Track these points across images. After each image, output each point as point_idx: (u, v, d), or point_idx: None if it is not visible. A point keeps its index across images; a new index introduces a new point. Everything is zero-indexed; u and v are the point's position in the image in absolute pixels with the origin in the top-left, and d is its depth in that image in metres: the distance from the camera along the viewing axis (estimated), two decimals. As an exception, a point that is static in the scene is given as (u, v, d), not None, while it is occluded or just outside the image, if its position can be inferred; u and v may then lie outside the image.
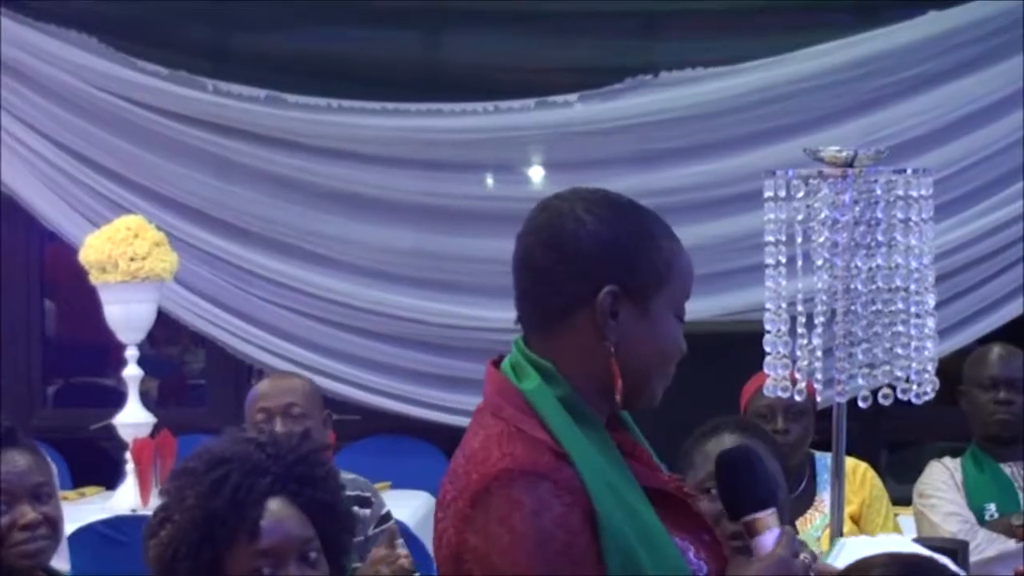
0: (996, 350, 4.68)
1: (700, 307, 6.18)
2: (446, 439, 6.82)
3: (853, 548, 2.82)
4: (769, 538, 2.28)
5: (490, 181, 6.84)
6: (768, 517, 2.29)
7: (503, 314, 6.49)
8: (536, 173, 6.88)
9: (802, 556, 2.30)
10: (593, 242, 2.25)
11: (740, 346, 3.48)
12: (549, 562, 2.12)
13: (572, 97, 6.54)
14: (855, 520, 4.48)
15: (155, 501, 5.80)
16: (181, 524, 2.36)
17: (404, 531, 5.08)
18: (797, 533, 2.37)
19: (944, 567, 2.07)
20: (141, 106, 6.72)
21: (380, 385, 6.69)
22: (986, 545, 4.33)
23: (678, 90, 6.44)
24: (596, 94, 6.52)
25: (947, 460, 4.63)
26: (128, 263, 5.90)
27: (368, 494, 4.31)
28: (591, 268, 2.25)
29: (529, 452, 2.18)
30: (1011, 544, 4.36)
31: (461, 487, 2.21)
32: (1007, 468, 4.52)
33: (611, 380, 2.24)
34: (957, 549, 3.50)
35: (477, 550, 2.16)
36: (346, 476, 3.31)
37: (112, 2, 6.73)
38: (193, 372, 8.11)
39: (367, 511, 4.18)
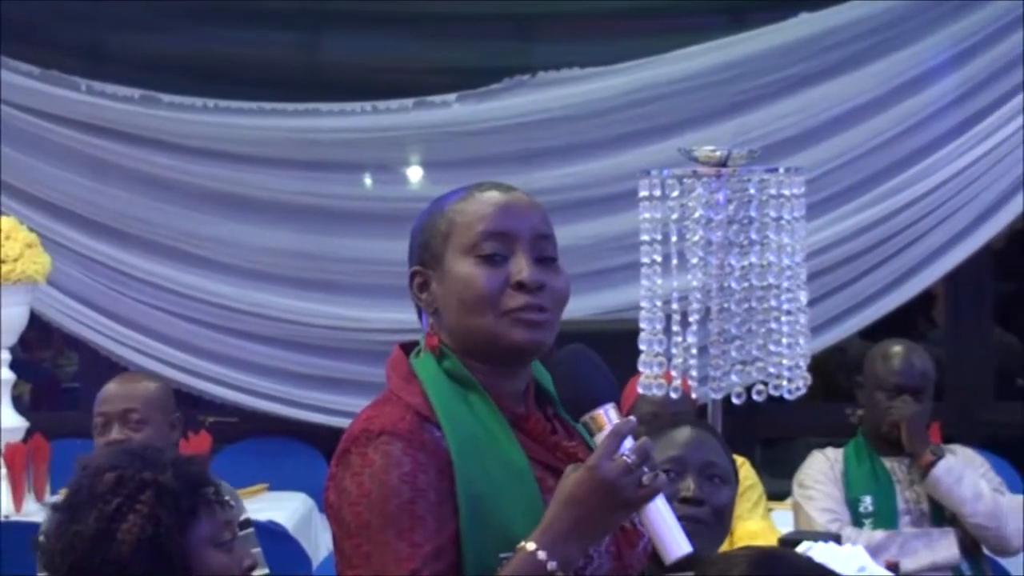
0: (901, 353, 4.66)
1: (576, 306, 6.15)
2: (325, 440, 6.79)
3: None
4: (601, 438, 2.24)
5: (369, 181, 6.83)
6: (602, 415, 2.24)
7: (383, 315, 6.56)
8: (415, 173, 6.88)
9: (622, 457, 2.18)
10: (410, 239, 2.39)
11: (616, 345, 3.49)
12: (388, 515, 2.17)
13: (450, 97, 6.54)
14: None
15: (29, 507, 5.75)
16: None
17: (282, 533, 5.06)
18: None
19: (806, 558, 2.08)
20: (13, 106, 6.64)
21: (258, 387, 6.65)
22: (855, 538, 4.38)
23: (555, 90, 6.46)
24: (474, 94, 6.53)
25: (829, 451, 4.67)
26: (-1, 265, 5.82)
27: (228, 498, 4.25)
28: (410, 261, 2.38)
29: (391, 414, 2.26)
30: (878, 534, 4.41)
31: (336, 451, 2.30)
32: (889, 462, 4.57)
33: (446, 344, 2.32)
34: (830, 541, 3.53)
35: (332, 505, 2.25)
36: None
37: (-17, 1, 6.64)
38: (66, 375, 8.00)
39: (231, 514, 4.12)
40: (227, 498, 4.12)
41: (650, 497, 2.20)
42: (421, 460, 2.21)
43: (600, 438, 2.22)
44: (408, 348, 2.40)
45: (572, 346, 2.38)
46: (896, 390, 4.56)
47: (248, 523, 4.30)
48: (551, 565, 2.14)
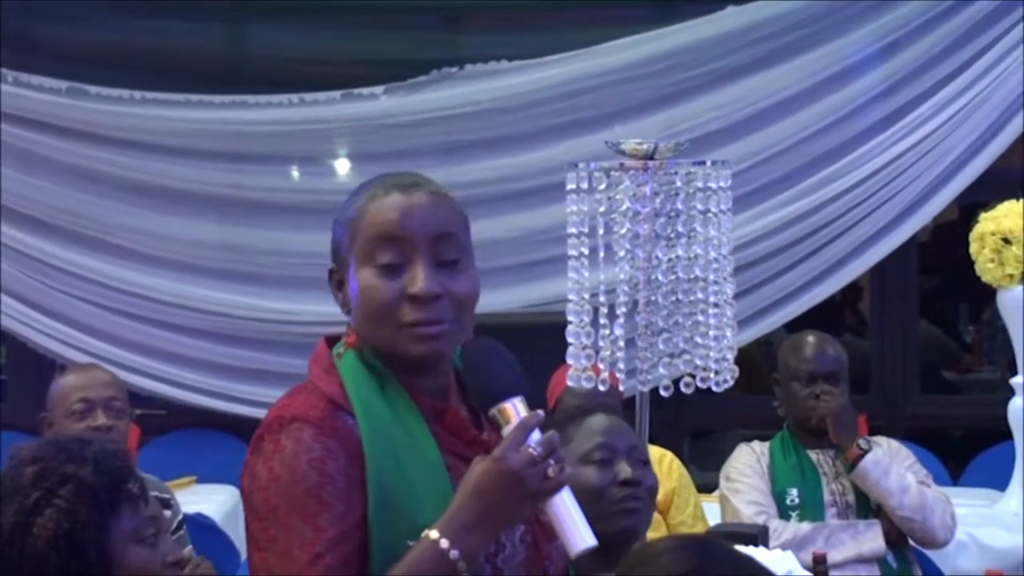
0: (812, 341, 4.67)
1: (503, 299, 6.21)
2: (252, 432, 6.75)
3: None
4: (508, 429, 2.25)
5: (296, 173, 6.81)
6: (509, 407, 2.25)
7: (309, 307, 6.51)
8: (342, 165, 6.86)
9: (527, 450, 2.19)
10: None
11: (543, 337, 3.48)
12: (295, 500, 2.19)
13: (378, 89, 6.53)
14: (661, 511, 4.51)
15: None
16: None
17: (210, 526, 5.02)
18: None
19: (729, 547, 2.05)
20: (-65, 98, 6.58)
21: (185, 379, 6.64)
22: (782, 530, 4.39)
23: (483, 83, 6.46)
24: (402, 86, 6.52)
25: (755, 444, 4.68)
26: (-77, 258, 5.76)
27: (167, 495, 4.21)
28: (331, 253, 2.38)
29: (305, 402, 2.27)
30: (805, 527, 4.43)
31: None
32: (814, 455, 4.58)
33: (359, 340, 2.33)
34: (757, 534, 3.53)
35: (244, 490, 2.26)
36: (144, 475, 3.25)
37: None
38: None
39: (168, 512, 4.08)
40: (167, 496, 4.09)
41: (555, 489, 2.21)
42: (331, 447, 2.22)
43: (507, 430, 2.22)
44: (333, 340, 2.40)
45: (479, 339, 2.37)
46: (810, 378, 4.58)
47: (184, 521, 4.25)
48: (453, 554, 2.15)
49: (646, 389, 3.63)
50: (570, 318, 3.52)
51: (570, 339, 3.50)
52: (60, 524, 2.48)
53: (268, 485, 2.21)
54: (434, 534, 2.16)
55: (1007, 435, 5.57)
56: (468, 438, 2.34)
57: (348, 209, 2.33)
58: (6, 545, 2.47)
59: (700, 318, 3.54)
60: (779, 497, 4.52)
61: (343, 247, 2.33)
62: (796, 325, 6.28)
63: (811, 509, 4.49)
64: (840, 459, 4.52)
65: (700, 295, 3.52)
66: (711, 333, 3.53)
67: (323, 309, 6.13)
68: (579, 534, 2.21)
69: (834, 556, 4.26)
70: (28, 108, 6.59)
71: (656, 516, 4.33)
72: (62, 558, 2.47)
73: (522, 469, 2.18)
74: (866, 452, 4.46)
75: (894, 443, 4.75)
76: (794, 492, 4.52)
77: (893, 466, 4.47)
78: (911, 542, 4.54)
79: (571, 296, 3.52)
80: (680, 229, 3.53)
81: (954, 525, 4.51)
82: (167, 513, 4.06)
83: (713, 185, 3.54)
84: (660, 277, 3.53)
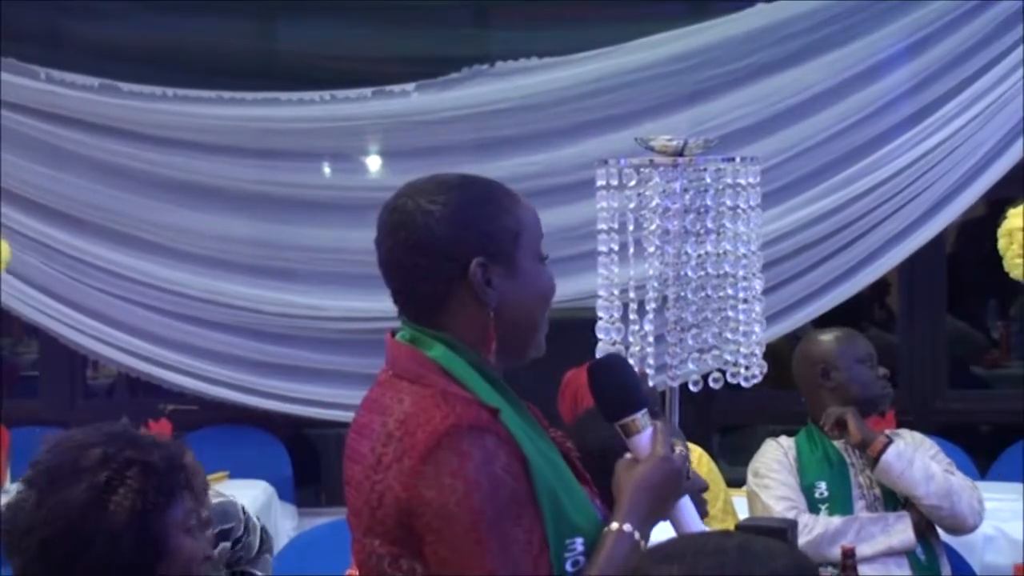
0: (856, 331, 4.75)
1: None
2: (285, 427, 6.79)
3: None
4: (644, 437, 2.41)
5: (327, 170, 6.82)
6: (641, 418, 2.42)
7: (340, 303, 6.54)
8: (374, 162, 6.87)
9: (677, 449, 2.41)
10: (447, 227, 2.35)
11: (573, 333, 3.51)
12: (500, 506, 2.22)
13: (409, 87, 6.54)
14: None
15: (-11, 492, 5.74)
16: None
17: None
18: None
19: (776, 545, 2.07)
20: (-29, 95, 6.62)
21: (216, 375, 6.65)
22: (812, 524, 4.40)
23: (513, 80, 6.47)
24: (433, 84, 6.53)
25: (783, 439, 4.68)
26: (-42, 254, 5.81)
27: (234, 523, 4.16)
28: (454, 250, 2.35)
29: (468, 409, 2.28)
30: (835, 520, 4.43)
31: (405, 447, 2.27)
32: (841, 447, 4.58)
33: (495, 341, 2.37)
34: (787, 528, 3.55)
35: (433, 503, 2.23)
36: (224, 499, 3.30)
37: (-61, -11, 6.60)
38: (26, 364, 7.97)
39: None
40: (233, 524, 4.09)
41: (690, 488, 2.46)
42: (508, 451, 2.27)
43: (644, 438, 2.42)
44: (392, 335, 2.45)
45: (611, 354, 2.61)
46: (875, 361, 4.63)
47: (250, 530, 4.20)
48: (642, 543, 2.32)
49: (675, 384, 3.66)
50: (600, 314, 3.55)
51: (600, 335, 3.53)
52: (135, 503, 2.49)
53: (468, 495, 2.22)
54: (627, 527, 2.32)
55: (1035, 430, 5.58)
56: (545, 426, 2.46)
57: (499, 209, 2.40)
58: (78, 522, 2.47)
59: (729, 314, 3.57)
60: (808, 491, 4.52)
61: (502, 241, 2.37)
62: (824, 321, 6.29)
63: (840, 502, 4.48)
64: (864, 455, 4.53)
65: (729, 291, 3.55)
66: (740, 329, 3.57)
67: (352, 304, 6.17)
68: (697, 523, 2.46)
69: (864, 550, 4.27)
70: (60, 104, 6.61)
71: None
72: (136, 535, 2.49)
73: (682, 467, 2.40)
74: (888, 444, 4.47)
75: (916, 434, 4.75)
76: (822, 485, 4.52)
77: (916, 456, 4.48)
78: (940, 534, 4.55)
79: (601, 292, 3.56)
80: (709, 225, 3.56)
81: (982, 509, 4.50)
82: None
83: (742, 181, 3.57)
84: (689, 273, 3.56)
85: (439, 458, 2.23)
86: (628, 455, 2.42)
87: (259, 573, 4.07)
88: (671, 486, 2.40)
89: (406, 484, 2.25)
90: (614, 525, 2.32)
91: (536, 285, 2.41)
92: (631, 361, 3.49)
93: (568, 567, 2.28)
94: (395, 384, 2.36)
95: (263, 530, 4.14)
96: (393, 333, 2.44)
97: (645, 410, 2.43)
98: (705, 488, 2.77)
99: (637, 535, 2.31)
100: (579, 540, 2.29)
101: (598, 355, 2.57)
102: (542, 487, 2.26)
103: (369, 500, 2.32)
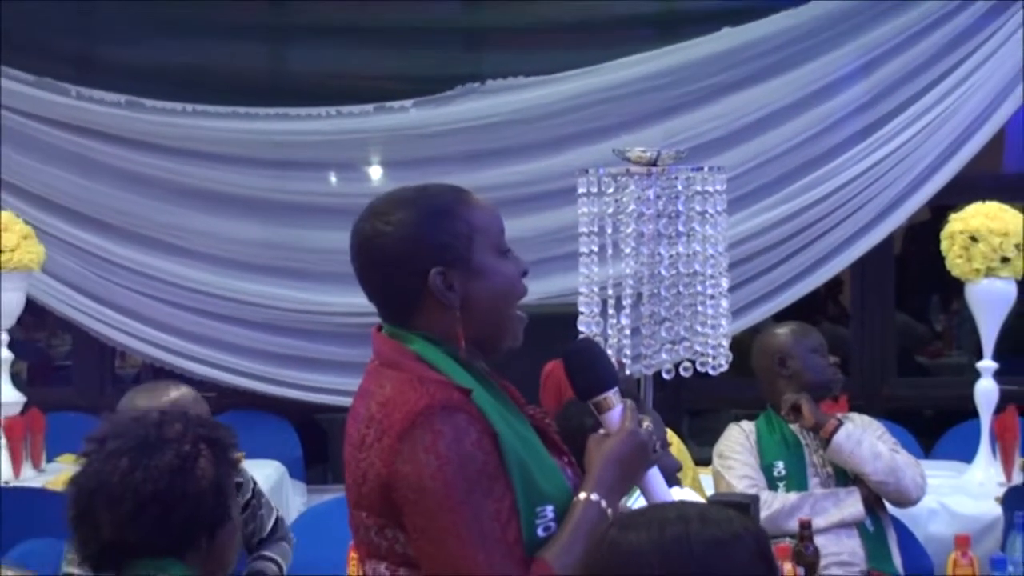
0: (809, 326, 4.78)
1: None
2: (295, 412, 6.79)
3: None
4: (615, 413, 2.41)
5: (333, 179, 6.81)
6: (612, 396, 2.42)
7: (345, 299, 6.54)
8: (375, 171, 6.86)
9: (644, 424, 2.41)
10: (402, 244, 2.36)
11: (557, 326, 3.52)
12: (470, 479, 2.22)
13: (408, 103, 6.54)
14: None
15: (27, 473, 5.74)
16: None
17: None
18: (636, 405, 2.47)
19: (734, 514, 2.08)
20: (11, 110, 6.62)
21: (233, 365, 6.64)
22: (771, 500, 4.41)
23: (503, 97, 6.47)
24: (429, 100, 6.53)
25: (744, 423, 4.68)
26: (-3, 255, 5.80)
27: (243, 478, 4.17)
28: (411, 264, 2.35)
29: (441, 390, 2.27)
30: (792, 496, 4.44)
31: (384, 428, 2.28)
32: (796, 429, 4.59)
33: (467, 337, 2.36)
34: (749, 503, 3.56)
35: (408, 476, 2.24)
36: None
37: (-19, 14, 6.60)
38: (60, 355, 7.97)
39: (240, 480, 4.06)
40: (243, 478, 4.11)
41: (657, 460, 2.45)
42: (479, 428, 2.26)
43: (615, 414, 2.41)
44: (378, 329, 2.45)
45: (583, 338, 2.56)
46: (827, 351, 4.64)
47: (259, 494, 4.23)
48: (609, 511, 2.30)
49: (650, 372, 3.67)
50: (582, 309, 3.56)
51: (581, 328, 3.54)
52: (216, 471, 2.53)
53: (441, 470, 2.21)
54: (594, 496, 2.31)
55: (973, 413, 5.60)
56: (523, 404, 2.45)
57: (448, 217, 2.37)
58: (169, 485, 2.50)
59: (698, 309, 3.58)
60: (767, 470, 4.53)
61: (456, 247, 2.35)
62: (784, 315, 6.30)
63: (796, 479, 4.50)
64: (818, 436, 4.54)
65: (698, 288, 3.56)
66: (708, 322, 3.57)
67: (357, 300, 6.08)
68: (666, 493, 2.45)
69: (819, 522, 4.29)
70: (90, 120, 6.61)
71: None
72: (213, 499, 2.52)
73: (648, 441, 2.39)
74: (839, 427, 4.48)
75: (866, 417, 4.76)
76: (780, 465, 4.52)
77: (864, 437, 4.49)
78: (887, 508, 4.56)
79: (582, 289, 3.56)
80: (680, 228, 3.57)
81: (924, 484, 4.51)
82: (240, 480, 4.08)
83: (710, 189, 3.58)
84: (662, 272, 3.56)
85: (414, 436, 2.24)
86: (602, 431, 2.42)
87: (277, 558, 4.08)
88: (638, 458, 2.39)
89: (386, 461, 2.26)
90: (582, 495, 2.31)
91: (498, 279, 2.38)
92: (610, 352, 3.51)
93: (539, 532, 2.27)
94: (380, 372, 2.38)
95: (280, 520, 4.16)
96: (380, 328, 2.45)
97: (616, 388, 2.42)
98: (679, 468, 2.78)
99: (604, 503, 2.30)
100: (549, 508, 2.28)
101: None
102: (512, 459, 2.25)
103: (356, 476, 2.34)
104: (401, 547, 2.30)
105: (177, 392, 3.93)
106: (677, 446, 4.70)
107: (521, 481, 2.26)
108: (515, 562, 2.23)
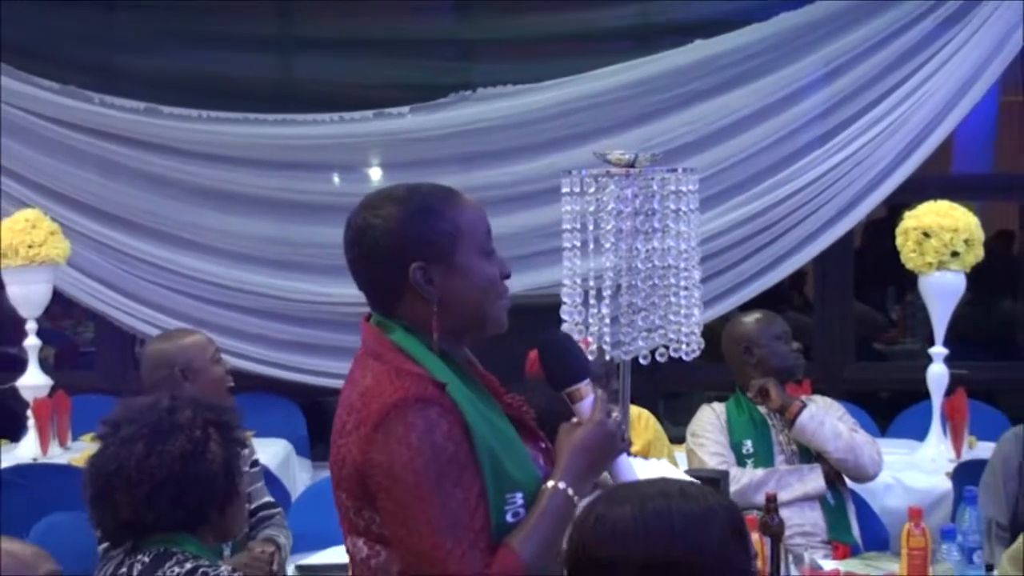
0: (775, 314, 4.79)
1: (509, 284, 6.21)
2: (302, 394, 6.79)
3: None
4: (587, 404, 2.38)
5: (336, 179, 6.81)
6: (584, 387, 2.39)
7: (347, 290, 6.50)
8: (375, 173, 6.86)
9: (613, 415, 2.38)
10: (389, 238, 2.33)
11: (543, 315, 3.51)
12: (441, 469, 2.20)
13: (404, 110, 6.53)
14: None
15: (53, 451, 5.73)
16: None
17: (266, 472, 5.05)
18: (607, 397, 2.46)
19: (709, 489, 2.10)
20: (37, 116, 6.61)
21: (245, 351, 6.63)
22: (740, 476, 4.41)
23: (492, 104, 6.47)
24: (425, 107, 6.52)
25: (715, 404, 4.68)
26: (27, 249, 5.80)
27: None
28: (396, 258, 2.32)
29: (416, 384, 2.25)
30: (759, 472, 4.45)
31: (362, 417, 2.26)
32: (764, 410, 4.59)
33: (445, 328, 2.32)
34: (719, 478, 3.58)
35: (381, 465, 2.22)
36: None
37: (12, 26, 6.57)
38: (84, 341, 7.95)
39: (245, 451, 4.08)
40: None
41: (625, 448, 2.41)
42: (451, 420, 2.23)
43: (586, 404, 2.37)
44: (367, 319, 2.43)
45: (554, 331, 2.56)
46: (790, 338, 4.65)
47: (256, 463, 4.27)
48: (576, 499, 2.26)
49: (628, 358, 3.66)
50: (565, 299, 3.54)
51: (564, 317, 3.52)
52: (225, 452, 2.53)
53: (412, 460, 2.19)
54: (561, 484, 2.27)
55: (926, 395, 5.61)
56: (500, 393, 2.43)
57: (433, 215, 2.33)
58: (183, 468, 2.50)
59: (672, 299, 3.57)
60: (736, 448, 4.53)
61: (440, 244, 2.31)
62: (751, 305, 6.30)
63: (763, 457, 4.50)
64: (783, 417, 4.54)
65: (672, 280, 3.54)
66: (682, 312, 3.56)
67: (357, 291, 6.15)
68: (634, 477, 2.38)
69: (783, 496, 4.29)
70: (112, 125, 6.60)
71: (635, 463, 4.36)
72: (224, 480, 2.52)
73: (616, 430, 2.35)
74: (802, 409, 4.48)
75: (827, 399, 4.77)
76: (748, 443, 4.53)
77: (826, 418, 4.50)
78: (847, 482, 4.57)
79: (565, 281, 3.54)
80: (656, 225, 3.55)
81: (881, 461, 4.52)
82: (244, 452, 4.09)
83: (683, 189, 3.56)
84: (639, 265, 3.55)
85: (388, 427, 2.22)
86: (574, 419, 2.40)
87: (282, 539, 4.08)
88: (606, 448, 2.36)
89: (361, 448, 2.25)
90: (550, 483, 2.28)
91: (478, 279, 2.34)
92: (591, 339, 3.50)
93: (508, 518, 2.25)
94: (365, 361, 2.35)
95: (280, 512, 4.15)
96: (368, 317, 2.43)
97: (588, 380, 2.40)
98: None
99: (571, 491, 2.27)
100: (519, 494, 2.26)
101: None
102: (482, 449, 2.22)
103: (336, 460, 2.34)
104: (377, 527, 2.29)
105: (191, 338, 3.98)
106: (654, 427, 4.71)
107: (491, 469, 2.23)
108: (482, 548, 2.20)
